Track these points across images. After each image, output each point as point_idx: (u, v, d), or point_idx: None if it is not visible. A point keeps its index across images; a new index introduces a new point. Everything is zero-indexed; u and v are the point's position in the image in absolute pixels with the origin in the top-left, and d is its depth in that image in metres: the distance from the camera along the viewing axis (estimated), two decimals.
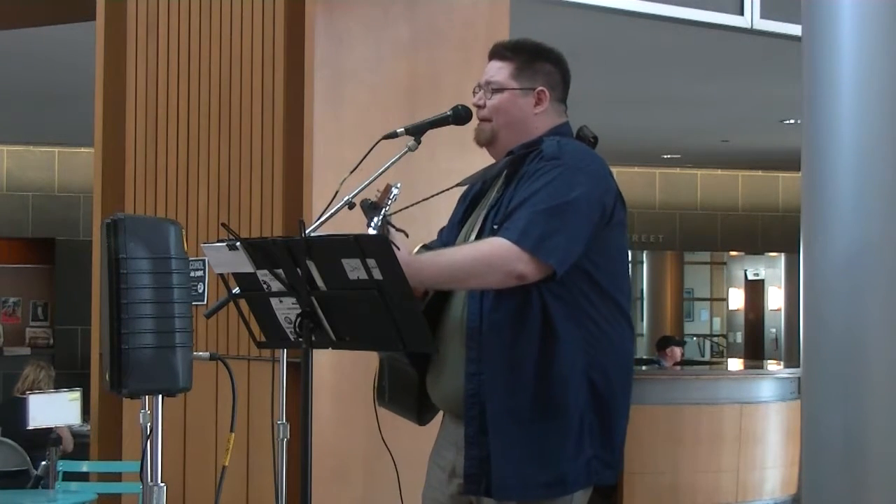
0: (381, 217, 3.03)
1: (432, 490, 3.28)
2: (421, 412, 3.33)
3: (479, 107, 3.26)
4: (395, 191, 3.06)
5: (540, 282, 3.02)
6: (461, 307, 3.14)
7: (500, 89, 3.24)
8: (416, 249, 3.23)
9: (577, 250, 3.03)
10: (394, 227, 3.08)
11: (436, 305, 3.19)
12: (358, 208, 3.12)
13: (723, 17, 7.12)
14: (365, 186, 3.14)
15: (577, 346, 3.06)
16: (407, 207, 3.18)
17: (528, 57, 3.26)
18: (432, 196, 3.31)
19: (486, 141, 3.27)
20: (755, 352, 17.44)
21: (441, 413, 3.33)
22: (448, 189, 3.34)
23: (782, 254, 16.87)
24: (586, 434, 3.07)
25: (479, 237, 3.17)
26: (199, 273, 5.54)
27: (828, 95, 3.99)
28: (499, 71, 3.26)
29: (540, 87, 3.23)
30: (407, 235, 3.12)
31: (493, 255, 3.00)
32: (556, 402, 3.04)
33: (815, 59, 4.06)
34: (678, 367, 10.46)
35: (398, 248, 2.92)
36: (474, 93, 3.28)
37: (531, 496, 3.08)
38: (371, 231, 3.01)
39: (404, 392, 3.29)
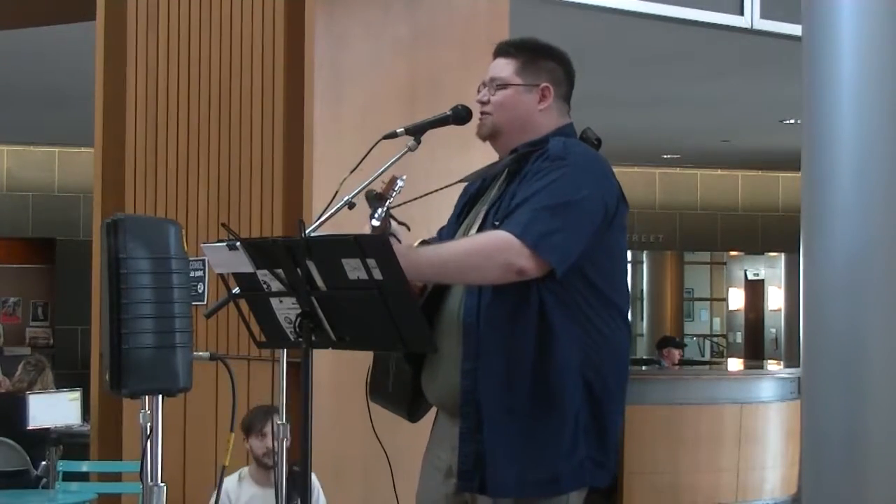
0: (384, 209, 3.03)
1: (427, 490, 3.26)
2: (413, 409, 3.31)
3: (482, 103, 3.26)
4: (400, 183, 3.06)
5: (539, 280, 3.02)
6: (458, 303, 3.13)
7: (504, 85, 3.23)
8: (415, 245, 3.22)
9: (577, 250, 3.03)
10: (396, 220, 3.08)
11: (433, 301, 3.18)
12: (358, 208, 3.11)
13: (723, 17, 7.13)
14: (365, 186, 3.14)
15: (574, 344, 3.04)
16: (408, 202, 3.17)
17: (532, 54, 3.25)
18: (434, 191, 3.30)
19: (487, 134, 3.26)
20: (755, 352, 17.45)
21: (434, 412, 3.33)
22: (450, 185, 3.33)
23: (782, 254, 16.88)
24: (581, 434, 3.05)
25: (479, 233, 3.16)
26: (199, 273, 5.55)
27: (828, 95, 3.99)
28: (503, 67, 3.25)
29: (544, 84, 3.23)
30: (409, 229, 3.11)
31: (493, 247, 2.99)
32: (551, 400, 3.03)
33: (815, 59, 4.05)
34: (677, 368, 10.46)
35: (399, 241, 2.90)
36: (479, 90, 3.28)
37: (526, 494, 3.06)
38: (374, 222, 3.00)
39: (401, 388, 3.28)
